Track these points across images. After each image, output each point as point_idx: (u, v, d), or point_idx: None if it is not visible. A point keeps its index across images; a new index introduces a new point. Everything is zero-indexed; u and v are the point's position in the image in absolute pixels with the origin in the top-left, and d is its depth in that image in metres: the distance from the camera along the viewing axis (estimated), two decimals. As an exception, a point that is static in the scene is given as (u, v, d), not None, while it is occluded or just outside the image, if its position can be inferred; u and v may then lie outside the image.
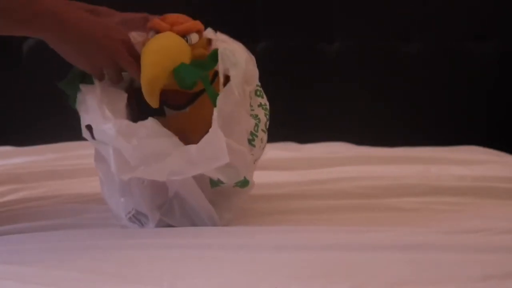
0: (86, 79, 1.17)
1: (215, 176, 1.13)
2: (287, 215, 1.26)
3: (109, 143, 1.12)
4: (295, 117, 2.09)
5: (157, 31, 1.18)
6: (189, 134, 1.14)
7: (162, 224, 1.18)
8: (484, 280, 0.92)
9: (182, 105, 1.16)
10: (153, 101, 1.12)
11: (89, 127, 1.14)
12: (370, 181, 1.45)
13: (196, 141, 1.11)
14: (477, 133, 2.09)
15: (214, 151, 1.10)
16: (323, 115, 2.09)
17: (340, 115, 2.09)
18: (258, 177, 1.30)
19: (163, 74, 1.13)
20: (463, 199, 1.36)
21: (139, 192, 1.17)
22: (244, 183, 1.17)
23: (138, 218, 1.18)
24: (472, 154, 1.81)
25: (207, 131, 1.11)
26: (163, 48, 1.14)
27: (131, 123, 1.13)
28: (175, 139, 1.12)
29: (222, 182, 1.14)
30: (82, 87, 1.16)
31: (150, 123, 1.12)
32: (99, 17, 1.23)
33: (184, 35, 1.18)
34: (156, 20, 1.20)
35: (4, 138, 1.98)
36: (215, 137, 1.10)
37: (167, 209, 1.18)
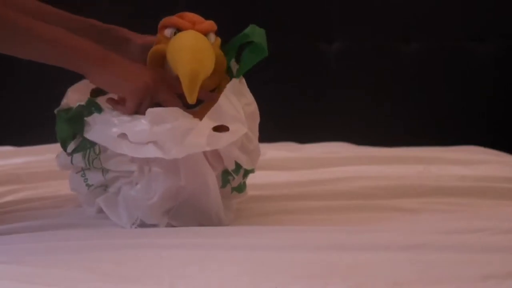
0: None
1: (236, 155, 1.17)
2: (287, 215, 1.26)
3: (146, 137, 1.14)
4: (295, 117, 2.09)
5: (178, 29, 1.20)
6: None
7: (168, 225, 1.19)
8: (484, 280, 0.92)
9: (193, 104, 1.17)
10: (193, 97, 1.14)
11: (122, 135, 1.15)
12: (370, 181, 1.45)
13: None
14: (477, 133, 2.09)
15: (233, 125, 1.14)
16: (323, 115, 2.09)
17: (340, 115, 2.09)
18: (258, 177, 1.30)
19: (203, 70, 1.15)
20: (463, 199, 1.36)
21: (147, 204, 1.17)
22: (242, 187, 1.22)
23: (144, 226, 1.19)
24: (472, 154, 1.81)
25: None
26: (198, 46, 1.17)
27: (157, 110, 1.15)
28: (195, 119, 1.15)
29: (235, 173, 1.19)
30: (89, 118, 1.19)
31: (173, 109, 1.15)
32: (117, 41, 1.28)
33: (205, 34, 1.21)
34: (175, 18, 1.22)
35: (4, 138, 1.98)
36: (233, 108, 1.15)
37: (175, 213, 1.19)
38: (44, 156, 1.75)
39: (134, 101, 1.16)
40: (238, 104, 1.17)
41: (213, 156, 1.17)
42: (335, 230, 1.15)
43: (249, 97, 1.23)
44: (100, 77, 1.17)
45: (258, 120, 1.23)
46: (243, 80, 1.24)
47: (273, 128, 1.93)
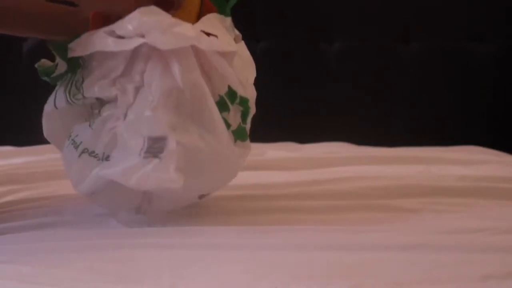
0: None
1: (229, 75, 1.15)
2: (287, 215, 1.26)
3: (134, 29, 1.10)
4: (295, 117, 2.09)
5: None
6: None
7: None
8: (484, 280, 0.92)
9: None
10: None
11: (109, 32, 1.12)
12: (370, 181, 1.45)
13: None
14: (477, 133, 2.10)
15: None
16: (323, 115, 2.09)
17: (340, 115, 2.09)
18: (258, 177, 1.30)
19: None
20: (463, 199, 1.36)
21: (150, 113, 1.11)
22: (243, 132, 1.19)
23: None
24: (472, 154, 1.81)
25: None
26: None
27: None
28: None
29: (231, 101, 1.15)
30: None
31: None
32: None
33: None
34: None
35: (4, 138, 1.98)
36: None
37: (181, 129, 1.12)
38: (44, 156, 1.75)
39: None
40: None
41: (203, 73, 1.13)
42: (335, 230, 1.15)
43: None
44: None
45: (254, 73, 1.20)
46: (243, 43, 1.21)
47: (273, 128, 1.93)
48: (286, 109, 2.07)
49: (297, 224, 1.21)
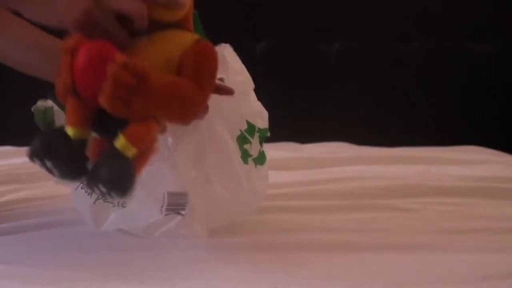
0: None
1: (247, 111, 1.12)
2: (287, 215, 1.26)
3: None
4: (295, 117, 2.09)
5: None
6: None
7: None
8: (484, 280, 0.92)
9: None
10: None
11: None
12: (370, 181, 1.45)
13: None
14: (477, 133, 2.09)
15: None
16: (323, 115, 2.09)
17: (340, 115, 2.09)
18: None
19: None
20: (463, 199, 1.36)
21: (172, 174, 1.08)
22: (262, 157, 1.17)
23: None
24: (472, 154, 1.81)
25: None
26: None
27: None
28: None
29: (251, 134, 1.13)
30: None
31: None
32: None
33: None
34: None
35: (4, 138, 1.98)
36: None
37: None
38: (44, 156, 1.75)
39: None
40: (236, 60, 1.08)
41: (222, 120, 1.10)
42: (335, 230, 1.15)
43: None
44: None
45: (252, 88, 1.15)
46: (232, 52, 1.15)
47: (273, 128, 1.93)
48: (286, 109, 2.07)
49: (297, 224, 1.21)
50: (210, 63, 0.95)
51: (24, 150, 1.60)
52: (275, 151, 1.73)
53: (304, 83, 2.11)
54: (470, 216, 1.26)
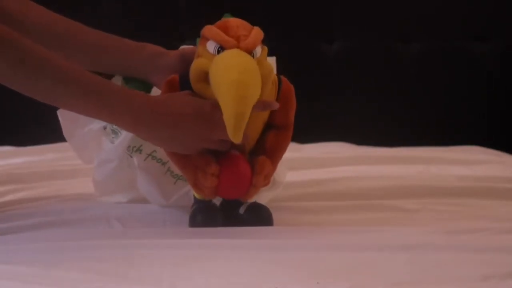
0: None
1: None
2: (286, 215, 1.26)
3: None
4: (295, 117, 2.09)
5: (221, 46, 1.12)
6: None
7: None
8: (484, 280, 0.92)
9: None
10: (238, 137, 1.07)
11: None
12: (370, 181, 1.45)
13: None
14: (477, 133, 2.10)
15: None
16: (323, 115, 2.09)
17: (340, 115, 2.09)
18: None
19: (249, 110, 1.08)
20: (463, 199, 1.36)
21: None
22: None
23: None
24: (472, 154, 1.81)
25: None
26: (243, 80, 1.07)
27: None
28: None
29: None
30: None
31: None
32: (152, 56, 1.23)
33: (251, 51, 1.13)
34: (218, 32, 1.13)
35: (4, 138, 1.98)
36: None
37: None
38: (44, 156, 1.75)
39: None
40: None
41: None
42: (335, 230, 1.15)
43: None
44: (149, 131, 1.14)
45: None
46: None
47: (273, 128, 1.92)
48: (286, 109, 2.07)
49: (297, 224, 1.21)
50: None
51: (24, 150, 1.61)
52: (275, 151, 1.73)
53: (304, 83, 2.11)
54: (470, 216, 1.26)
